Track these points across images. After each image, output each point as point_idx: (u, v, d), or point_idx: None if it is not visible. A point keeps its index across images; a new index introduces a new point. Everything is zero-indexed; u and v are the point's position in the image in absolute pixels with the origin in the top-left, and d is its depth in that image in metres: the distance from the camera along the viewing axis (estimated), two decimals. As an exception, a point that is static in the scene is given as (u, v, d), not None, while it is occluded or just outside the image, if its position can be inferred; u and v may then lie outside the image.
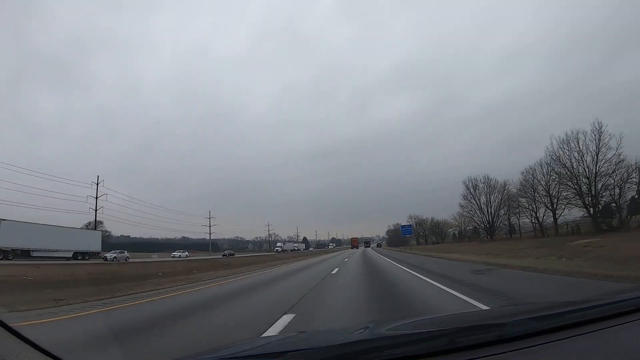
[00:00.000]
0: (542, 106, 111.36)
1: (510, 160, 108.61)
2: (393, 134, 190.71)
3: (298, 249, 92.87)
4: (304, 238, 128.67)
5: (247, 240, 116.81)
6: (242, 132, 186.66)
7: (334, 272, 14.44)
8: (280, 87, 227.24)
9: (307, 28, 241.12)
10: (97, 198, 42.91)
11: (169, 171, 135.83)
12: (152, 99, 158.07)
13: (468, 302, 5.71)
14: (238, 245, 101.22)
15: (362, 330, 1.61)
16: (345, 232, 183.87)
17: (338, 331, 2.17)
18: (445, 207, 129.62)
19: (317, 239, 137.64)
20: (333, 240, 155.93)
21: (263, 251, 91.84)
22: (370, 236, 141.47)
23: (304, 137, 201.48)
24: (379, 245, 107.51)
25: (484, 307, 5.10)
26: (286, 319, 5.03)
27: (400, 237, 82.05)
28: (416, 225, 72.65)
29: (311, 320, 5.21)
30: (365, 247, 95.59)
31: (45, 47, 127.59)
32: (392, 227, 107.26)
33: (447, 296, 6.58)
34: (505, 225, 53.15)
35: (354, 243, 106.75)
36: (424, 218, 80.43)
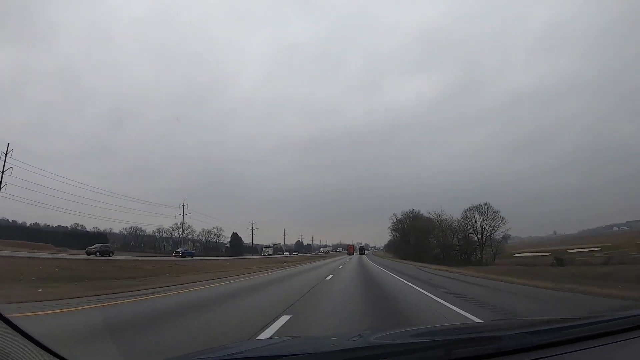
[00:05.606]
0: (566, 100, 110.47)
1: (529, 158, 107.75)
2: (401, 125, 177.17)
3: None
4: (232, 233, 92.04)
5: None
6: (224, 115, 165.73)
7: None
8: (278, 52, 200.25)
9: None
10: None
11: (139, 157, 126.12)
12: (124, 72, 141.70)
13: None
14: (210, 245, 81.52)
15: (355, 338, 1.60)
16: (325, 238, 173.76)
17: (331, 337, 2.15)
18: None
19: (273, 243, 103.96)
20: (299, 245, 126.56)
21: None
22: (351, 242, 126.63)
23: (288, 128, 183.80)
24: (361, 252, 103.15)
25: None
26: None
27: (420, 237, 59.37)
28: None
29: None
30: (360, 253, 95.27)
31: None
32: (398, 217, 73.53)
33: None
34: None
35: (350, 250, 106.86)
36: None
